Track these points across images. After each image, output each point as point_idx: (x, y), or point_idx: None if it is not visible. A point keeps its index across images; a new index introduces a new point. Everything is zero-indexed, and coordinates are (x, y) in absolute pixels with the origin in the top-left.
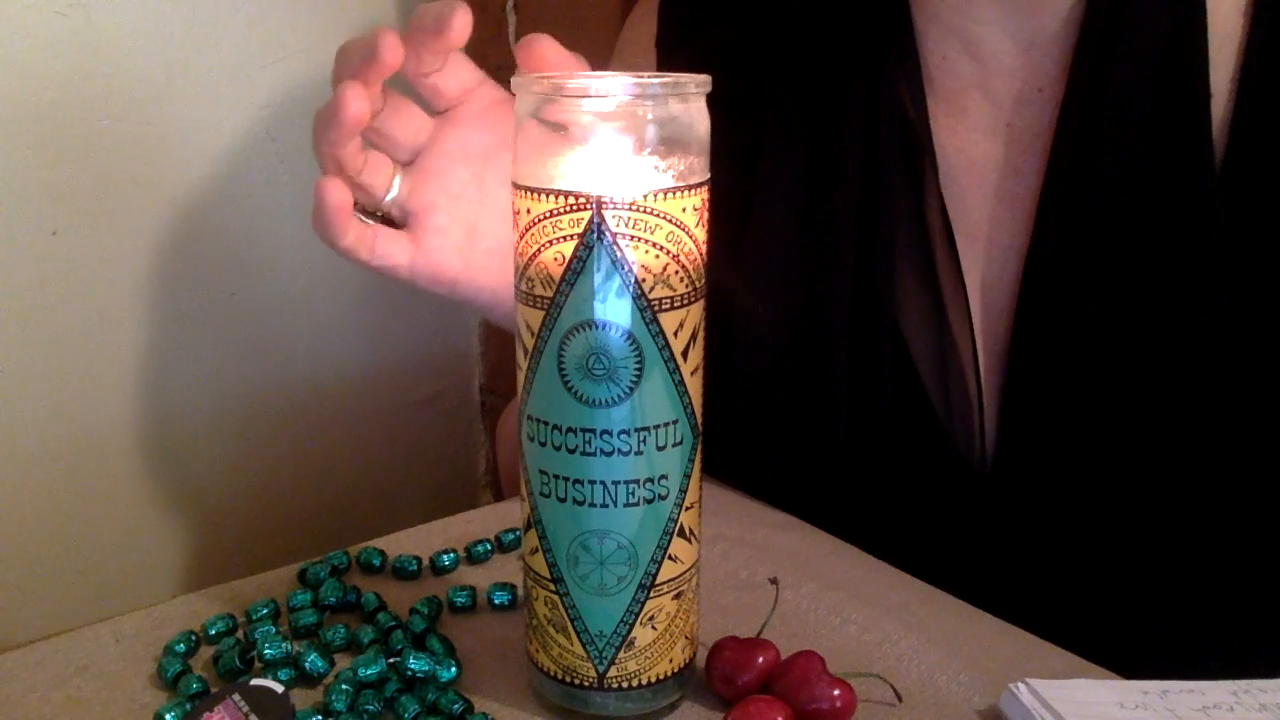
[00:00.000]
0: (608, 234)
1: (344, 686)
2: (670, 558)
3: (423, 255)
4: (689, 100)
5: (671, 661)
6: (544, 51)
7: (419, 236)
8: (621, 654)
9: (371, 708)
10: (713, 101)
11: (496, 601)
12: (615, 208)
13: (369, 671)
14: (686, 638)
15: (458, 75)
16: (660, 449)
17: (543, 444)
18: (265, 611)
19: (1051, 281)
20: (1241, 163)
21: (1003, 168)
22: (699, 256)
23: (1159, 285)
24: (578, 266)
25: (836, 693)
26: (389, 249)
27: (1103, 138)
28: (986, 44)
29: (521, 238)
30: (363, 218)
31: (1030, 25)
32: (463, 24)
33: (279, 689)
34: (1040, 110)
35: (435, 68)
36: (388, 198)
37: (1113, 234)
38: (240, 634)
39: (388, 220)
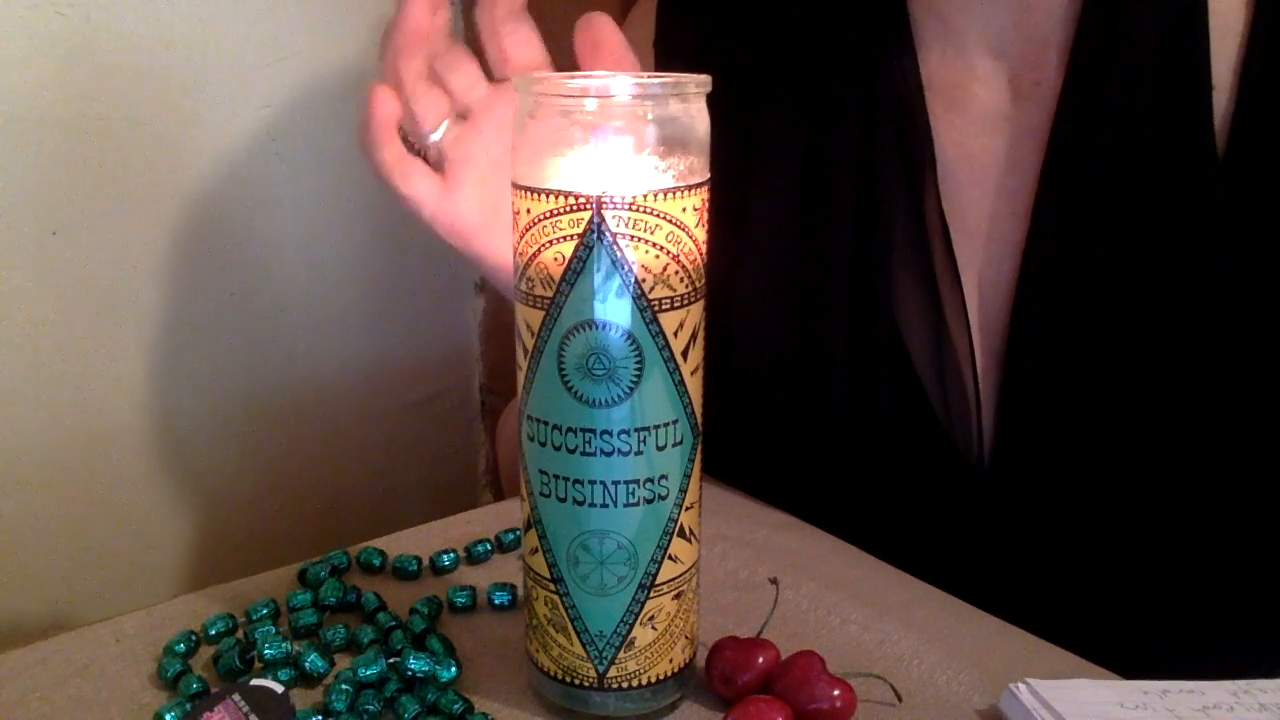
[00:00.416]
0: (608, 234)
1: (344, 686)
2: (670, 558)
3: (447, 203)
4: (689, 100)
5: (671, 661)
6: (604, 33)
7: (449, 185)
8: (621, 654)
9: (371, 708)
10: (710, 100)
11: (496, 601)
12: (615, 208)
13: (369, 671)
14: (686, 638)
15: (526, 48)
16: (660, 449)
17: (543, 444)
18: (265, 611)
19: (1049, 277)
20: (1244, 156)
21: (1001, 163)
22: (699, 256)
23: (1159, 281)
24: (578, 266)
25: (836, 693)
26: (421, 185)
27: (1101, 132)
28: (985, 39)
29: (521, 238)
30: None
31: (1028, 20)
32: None
33: (279, 689)
34: (1038, 105)
35: (505, 21)
36: (433, 137)
37: (1111, 229)
38: (240, 634)
39: (423, 158)
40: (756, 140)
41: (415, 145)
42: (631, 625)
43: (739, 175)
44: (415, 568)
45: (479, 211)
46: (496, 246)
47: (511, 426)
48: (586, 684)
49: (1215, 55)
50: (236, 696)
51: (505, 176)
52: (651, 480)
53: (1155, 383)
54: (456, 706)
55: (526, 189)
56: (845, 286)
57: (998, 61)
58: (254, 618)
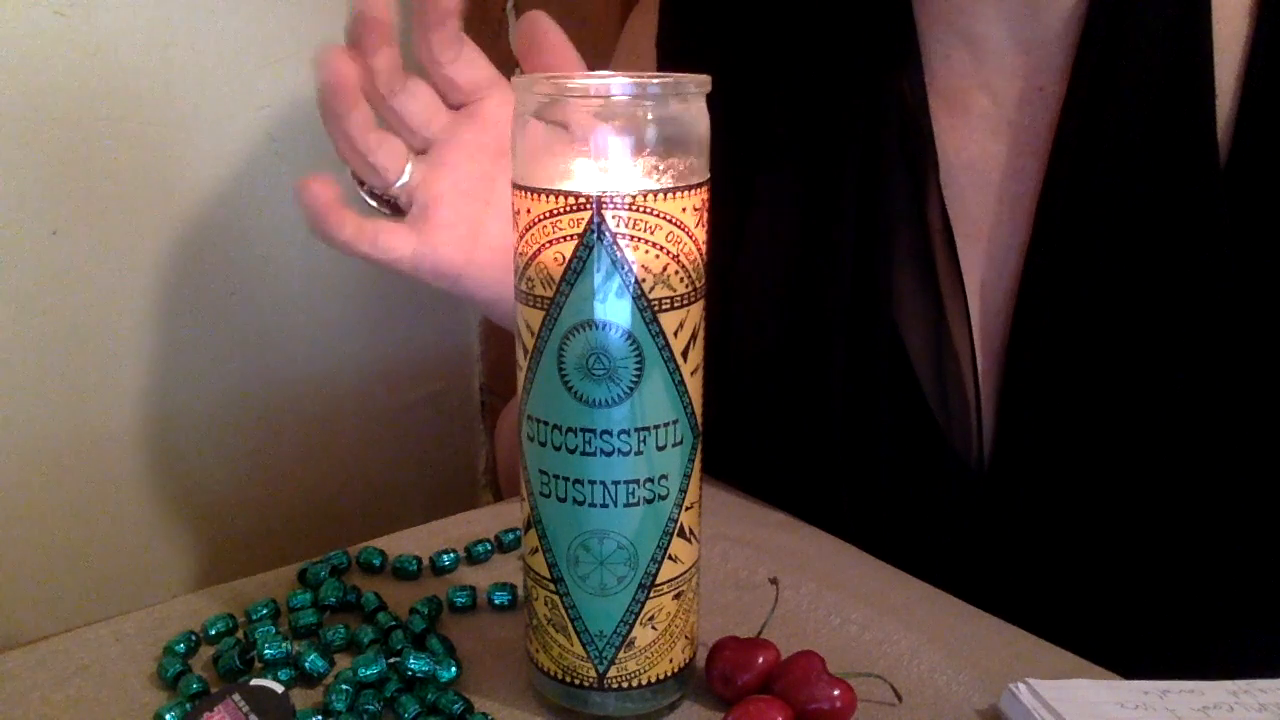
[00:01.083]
0: (608, 234)
1: (344, 686)
2: (670, 558)
3: (426, 248)
4: (689, 100)
5: (671, 661)
6: (547, 33)
7: (424, 229)
8: (621, 654)
9: (371, 708)
10: (713, 100)
11: (496, 601)
12: (615, 208)
13: (369, 671)
14: (686, 638)
15: (470, 69)
16: (660, 449)
17: (543, 444)
18: (265, 611)
19: (1051, 281)
20: (1246, 162)
21: (1004, 167)
22: (699, 256)
23: (1161, 285)
24: (578, 266)
25: (836, 693)
26: (391, 241)
27: (1105, 137)
28: (989, 43)
29: (521, 238)
30: (370, 200)
31: (1032, 24)
32: None
33: (279, 689)
34: (1042, 109)
35: (443, 51)
36: (399, 183)
37: (1114, 234)
38: (240, 634)
39: (394, 206)
40: (759, 140)
41: (377, 192)
42: (631, 625)
43: (741, 175)
44: (415, 568)
45: (460, 250)
46: (484, 280)
47: (509, 426)
48: (586, 684)
49: (1218, 62)
50: (236, 696)
51: (479, 206)
52: (651, 480)
53: (1155, 386)
54: (456, 706)
55: (526, 189)
56: (847, 288)
57: (1001, 67)
58: (254, 618)
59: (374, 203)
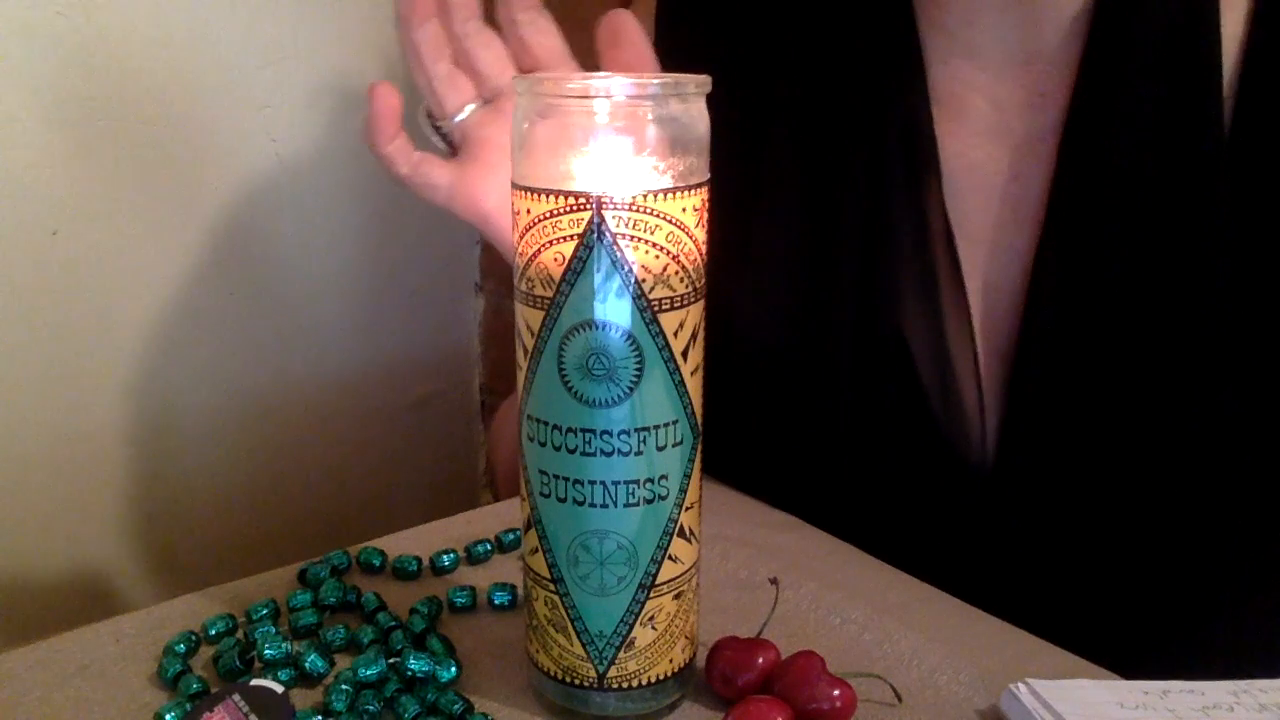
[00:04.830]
0: (608, 234)
1: (344, 686)
2: (670, 558)
3: (465, 184)
4: (689, 100)
5: (671, 661)
6: (625, 27)
7: (467, 168)
8: (621, 654)
9: (371, 708)
10: (715, 104)
11: (496, 601)
12: (615, 208)
13: (369, 671)
14: (686, 638)
15: (543, 36)
16: (660, 449)
17: (543, 444)
18: (265, 611)
19: (1059, 284)
20: (1248, 163)
21: (1005, 171)
22: (699, 256)
23: (1167, 289)
24: (578, 266)
25: (836, 693)
26: (432, 171)
27: (1113, 143)
28: (989, 52)
29: (521, 238)
30: (432, 134)
31: (1034, 35)
32: None
33: (279, 689)
34: (1044, 116)
35: (520, 11)
36: (457, 118)
37: (1122, 238)
38: (240, 634)
39: (450, 144)
40: (762, 143)
41: (435, 121)
42: (631, 625)
43: (744, 178)
44: (415, 568)
45: (494, 193)
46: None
47: (504, 425)
48: (586, 684)
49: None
50: (236, 696)
51: None
52: (651, 480)
53: (1161, 387)
54: (456, 706)
55: (526, 189)
56: (851, 292)
57: (1002, 73)
58: (254, 618)
59: (435, 137)
